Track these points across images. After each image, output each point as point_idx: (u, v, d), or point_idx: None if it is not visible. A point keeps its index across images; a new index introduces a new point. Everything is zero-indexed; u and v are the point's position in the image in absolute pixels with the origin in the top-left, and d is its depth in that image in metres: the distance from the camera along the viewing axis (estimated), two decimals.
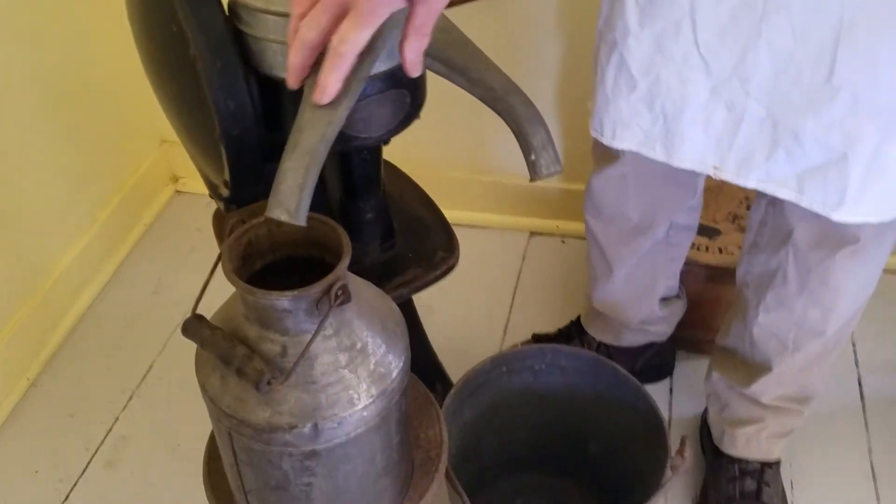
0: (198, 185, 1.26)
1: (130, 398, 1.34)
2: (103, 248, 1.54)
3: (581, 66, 1.16)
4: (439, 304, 1.37)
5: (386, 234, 0.90)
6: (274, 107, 0.70)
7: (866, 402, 1.30)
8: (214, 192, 0.80)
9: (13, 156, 1.32)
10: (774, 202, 0.93)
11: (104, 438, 1.28)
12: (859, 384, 1.33)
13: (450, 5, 0.59)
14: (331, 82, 0.54)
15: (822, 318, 0.96)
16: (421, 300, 1.01)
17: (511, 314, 1.46)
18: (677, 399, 1.31)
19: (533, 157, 0.61)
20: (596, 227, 1.12)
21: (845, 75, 0.72)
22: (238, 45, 0.68)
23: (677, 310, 1.25)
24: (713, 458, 1.16)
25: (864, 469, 1.21)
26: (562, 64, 1.39)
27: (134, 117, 1.59)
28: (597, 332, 1.27)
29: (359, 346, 0.63)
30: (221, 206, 0.80)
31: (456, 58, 0.65)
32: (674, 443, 0.93)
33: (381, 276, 0.88)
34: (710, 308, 1.28)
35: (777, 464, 1.14)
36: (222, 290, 0.65)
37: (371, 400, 0.63)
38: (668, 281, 1.20)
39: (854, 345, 1.38)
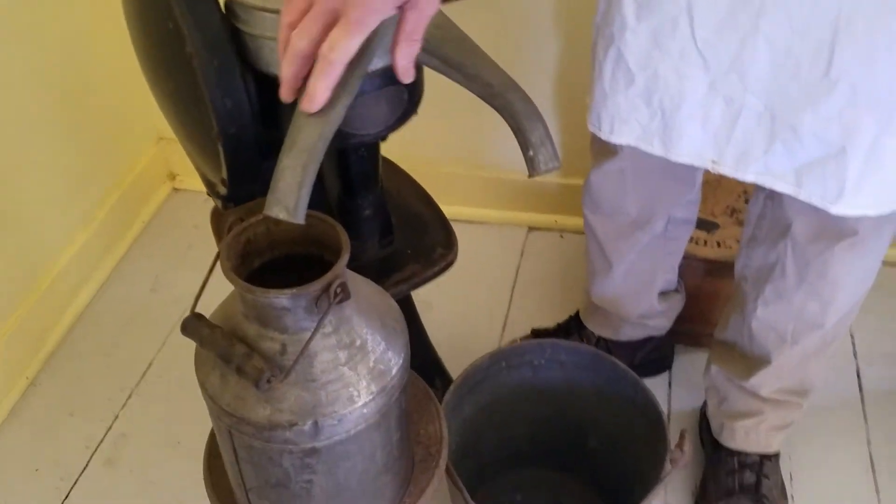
0: (195, 183, 1.26)
1: (130, 396, 1.34)
2: (101, 246, 1.54)
3: (579, 61, 1.16)
4: (438, 300, 1.37)
5: (384, 231, 0.90)
6: (271, 104, 0.69)
7: (865, 394, 1.31)
8: (212, 189, 0.80)
9: (10, 154, 1.31)
10: (773, 195, 0.93)
11: (104, 437, 1.28)
12: (858, 376, 1.33)
13: (446, 0, 0.59)
14: (319, 90, 0.54)
15: (821, 310, 0.96)
16: (419, 296, 1.01)
17: (510, 309, 1.46)
18: (676, 393, 1.31)
19: (531, 153, 0.61)
20: (594, 221, 1.12)
21: (843, 69, 0.72)
22: (235, 43, 0.68)
23: (676, 304, 1.25)
24: (712, 451, 1.17)
25: (863, 461, 1.22)
26: (559, 59, 1.39)
27: (131, 115, 1.58)
28: (596, 327, 1.27)
29: (358, 343, 0.63)
30: (219, 203, 0.80)
31: (453, 54, 0.65)
32: (673, 436, 0.93)
33: (380, 272, 0.88)
34: (708, 302, 1.28)
35: (776, 456, 1.14)
36: (221, 288, 0.65)
37: (371, 397, 0.63)
38: (667, 275, 1.20)
39: (852, 337, 1.38)
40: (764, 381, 1.06)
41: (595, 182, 1.07)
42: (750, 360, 1.06)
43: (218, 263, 0.62)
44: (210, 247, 0.77)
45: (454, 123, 1.47)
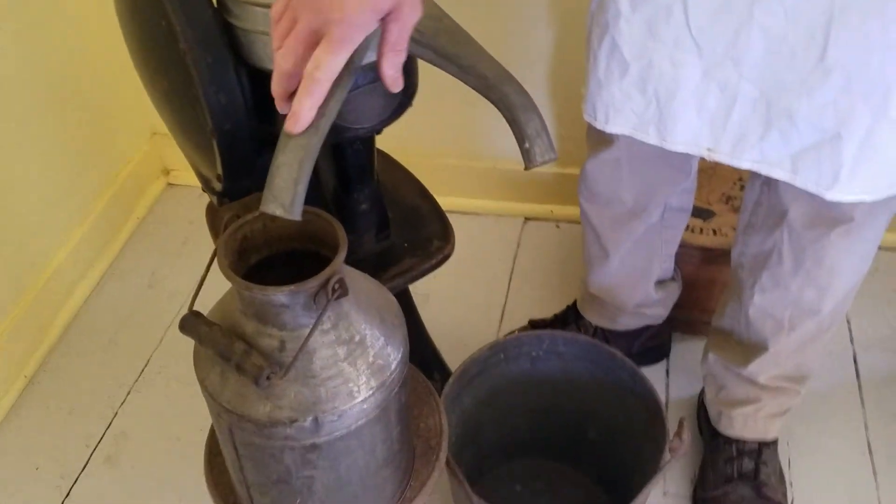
0: (190, 178, 1.25)
1: (129, 393, 1.34)
2: (97, 243, 1.54)
3: (574, 51, 1.16)
4: (435, 292, 1.37)
5: (381, 225, 0.90)
6: (265, 99, 0.69)
7: (862, 378, 1.31)
8: (207, 185, 0.80)
9: (4, 151, 1.31)
10: (769, 182, 0.93)
11: (104, 434, 1.28)
12: (854, 361, 1.34)
13: None
14: (304, 109, 0.54)
15: (818, 297, 0.96)
16: (417, 288, 1.01)
17: (507, 300, 1.46)
18: (674, 381, 1.32)
19: (527, 145, 0.61)
20: (591, 211, 1.12)
21: (837, 56, 0.72)
22: (227, 39, 0.68)
23: (673, 292, 1.25)
24: (711, 438, 1.17)
25: (860, 445, 1.22)
26: (554, 49, 1.39)
27: (124, 110, 1.58)
28: (593, 317, 1.27)
29: (357, 338, 0.63)
30: (214, 199, 0.80)
31: (447, 46, 0.65)
32: (672, 425, 0.94)
33: (377, 266, 0.88)
34: (705, 290, 1.28)
35: (774, 443, 1.15)
36: (217, 285, 0.65)
37: (371, 392, 0.63)
38: (664, 263, 1.20)
39: (849, 322, 1.39)
40: (761, 369, 1.06)
41: (591, 171, 1.07)
42: (747, 348, 1.06)
43: (215, 260, 0.61)
44: (206, 242, 0.77)
45: (449, 115, 1.46)
